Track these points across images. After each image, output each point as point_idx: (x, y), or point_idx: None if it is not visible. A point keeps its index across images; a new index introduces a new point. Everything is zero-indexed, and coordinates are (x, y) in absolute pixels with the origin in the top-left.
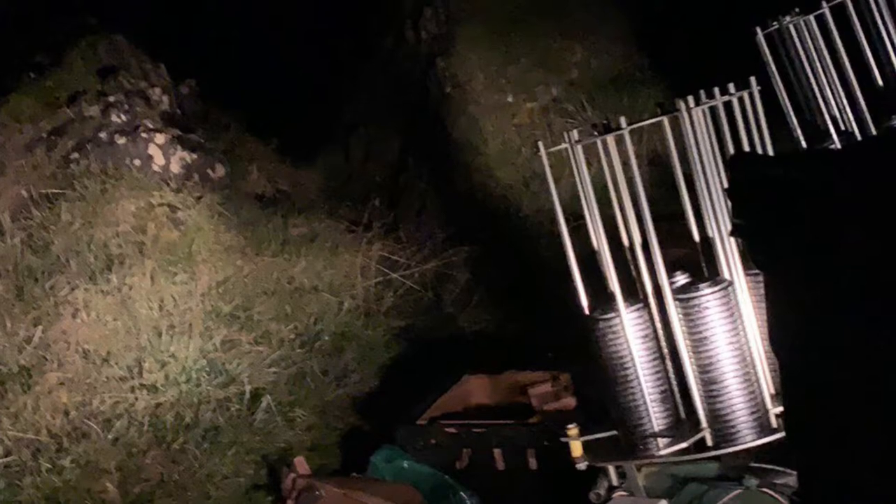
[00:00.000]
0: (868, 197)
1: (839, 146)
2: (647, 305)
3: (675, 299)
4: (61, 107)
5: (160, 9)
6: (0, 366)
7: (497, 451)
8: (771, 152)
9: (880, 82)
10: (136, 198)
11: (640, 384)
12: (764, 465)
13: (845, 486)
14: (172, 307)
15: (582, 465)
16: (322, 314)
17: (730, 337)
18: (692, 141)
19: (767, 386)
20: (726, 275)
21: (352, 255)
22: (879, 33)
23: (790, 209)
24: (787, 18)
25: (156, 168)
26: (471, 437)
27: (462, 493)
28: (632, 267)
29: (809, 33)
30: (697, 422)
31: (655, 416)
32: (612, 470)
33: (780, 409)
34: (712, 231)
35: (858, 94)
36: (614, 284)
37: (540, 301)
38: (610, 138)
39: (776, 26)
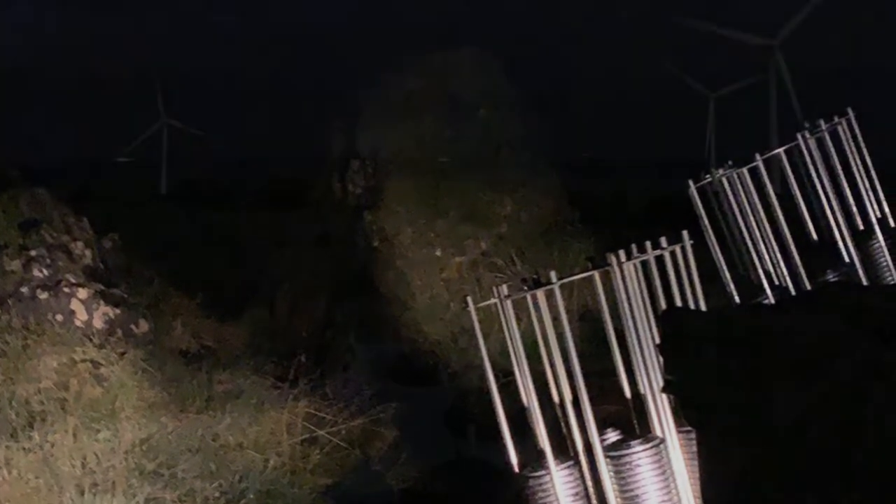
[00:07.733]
0: (801, 354)
1: (773, 301)
2: (577, 463)
3: (607, 457)
4: None
5: (82, 161)
6: None
7: None
8: (703, 307)
9: (815, 236)
10: (58, 354)
11: None
12: None
13: None
14: (95, 464)
15: None
16: (247, 472)
17: (662, 495)
18: (623, 296)
19: None
20: (658, 432)
21: (277, 412)
22: (814, 187)
23: (723, 365)
24: (720, 171)
25: (78, 323)
26: None
27: None
28: (562, 424)
29: (743, 186)
30: None
31: None
32: None
33: None
34: (644, 387)
35: (792, 248)
36: (544, 441)
37: (469, 458)
38: (540, 293)
39: (709, 179)
